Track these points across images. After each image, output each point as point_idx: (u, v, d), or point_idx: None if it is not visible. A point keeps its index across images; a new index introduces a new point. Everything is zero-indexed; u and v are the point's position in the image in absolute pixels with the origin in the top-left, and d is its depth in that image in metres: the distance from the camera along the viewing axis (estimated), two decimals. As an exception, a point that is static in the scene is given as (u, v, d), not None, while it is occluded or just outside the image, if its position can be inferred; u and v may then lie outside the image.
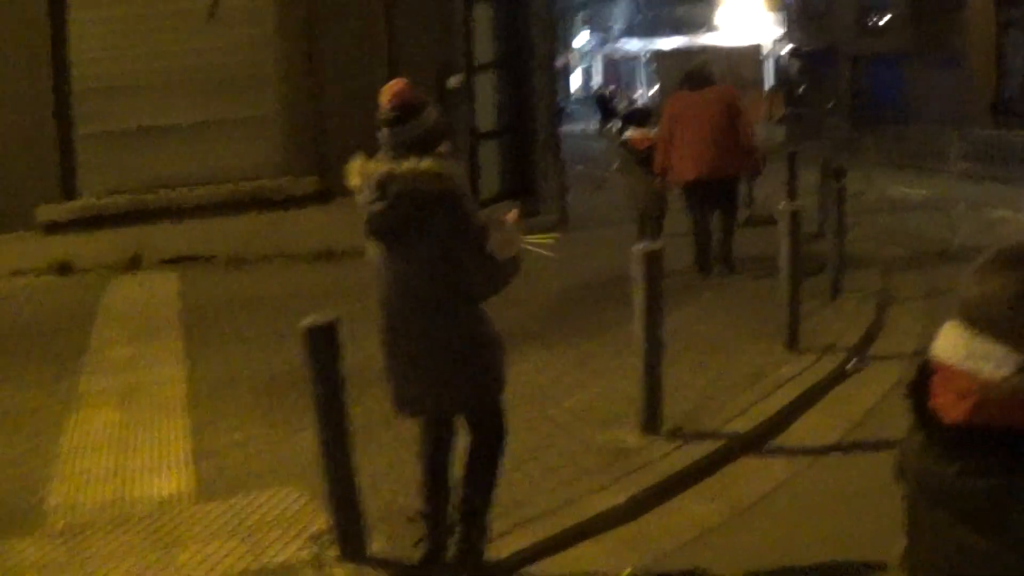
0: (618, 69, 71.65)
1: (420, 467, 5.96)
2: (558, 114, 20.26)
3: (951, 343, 2.30)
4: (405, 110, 5.49)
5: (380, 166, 5.44)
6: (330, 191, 15.65)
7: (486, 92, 18.09)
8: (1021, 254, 2.29)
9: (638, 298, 7.63)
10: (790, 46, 46.98)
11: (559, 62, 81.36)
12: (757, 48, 45.07)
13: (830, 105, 41.43)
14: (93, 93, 15.64)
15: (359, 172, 5.53)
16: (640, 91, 59.09)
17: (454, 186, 5.42)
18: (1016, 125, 26.44)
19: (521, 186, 18.39)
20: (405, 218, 5.38)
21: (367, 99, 15.21)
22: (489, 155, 18.11)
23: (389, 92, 5.58)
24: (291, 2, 15.69)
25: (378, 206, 5.38)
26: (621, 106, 48.25)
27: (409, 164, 5.35)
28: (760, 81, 44.74)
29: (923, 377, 2.38)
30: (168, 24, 15.71)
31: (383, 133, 5.53)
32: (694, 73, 13.67)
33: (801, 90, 45.49)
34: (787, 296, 9.86)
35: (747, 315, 11.20)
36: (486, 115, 18.10)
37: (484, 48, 18.13)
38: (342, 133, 15.46)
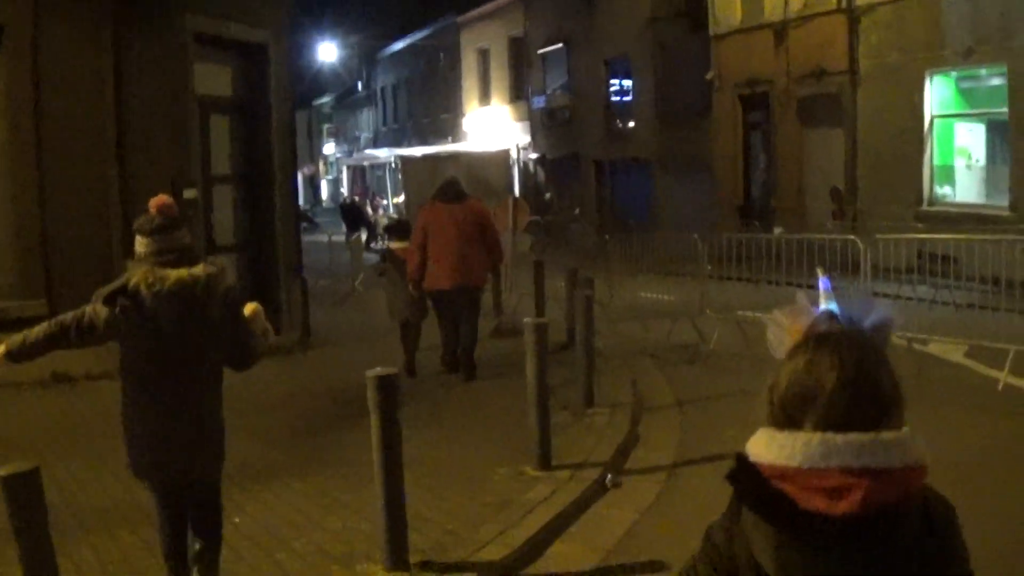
0: (366, 178, 71.68)
1: (164, 537, 6.37)
2: (300, 227, 19.66)
3: (795, 447, 2.32)
4: (173, 221, 6.22)
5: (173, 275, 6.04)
6: (58, 314, 14.81)
7: (224, 205, 17.44)
8: (827, 340, 2.42)
9: (374, 427, 7.11)
10: (535, 154, 47.41)
11: (307, 171, 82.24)
12: (505, 154, 45.21)
13: (576, 212, 41.88)
14: None
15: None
16: (387, 200, 59.03)
17: (231, 285, 6.47)
18: (761, 227, 26.98)
19: (261, 302, 17.66)
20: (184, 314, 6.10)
21: (96, 216, 14.63)
22: (227, 270, 17.34)
23: (158, 203, 6.28)
24: (20, 116, 14.57)
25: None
26: (377, 217, 48.09)
27: (203, 269, 6.16)
28: (509, 188, 44.86)
29: (757, 485, 2.37)
30: None
31: (147, 241, 6.14)
32: (447, 186, 14.45)
33: (547, 197, 45.95)
34: (535, 413, 9.44)
35: (496, 433, 10.80)
36: (224, 228, 17.40)
37: (222, 159, 17.50)
38: (71, 253, 14.76)
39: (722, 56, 33.27)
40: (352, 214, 48.22)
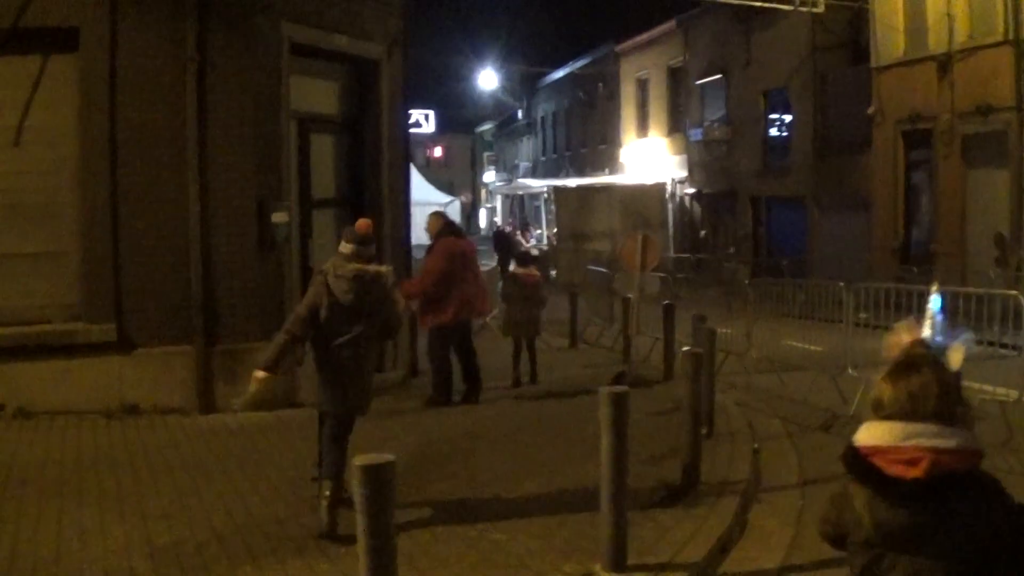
0: (523, 207, 70.59)
1: (333, 458, 8.81)
2: (411, 257, 18.28)
3: (885, 432, 3.68)
4: (368, 238, 9.30)
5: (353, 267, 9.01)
6: (130, 339, 13.64)
7: (326, 230, 15.97)
8: (913, 361, 3.77)
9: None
10: (691, 189, 45.56)
11: (464, 199, 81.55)
12: (660, 188, 43.51)
13: (731, 251, 39.98)
14: None
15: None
16: (540, 231, 57.72)
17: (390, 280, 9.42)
18: (919, 274, 24.77)
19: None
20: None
21: (173, 237, 13.30)
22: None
23: (365, 225, 9.52)
24: (94, 124, 13.51)
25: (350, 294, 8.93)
26: (527, 248, 46.85)
27: (375, 268, 9.21)
28: (665, 222, 43.14)
29: (858, 460, 3.72)
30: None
31: (354, 248, 9.10)
32: (451, 223, 15.33)
33: (702, 234, 44.07)
34: (608, 506, 7.64)
35: (573, 515, 9.01)
36: (324, 256, 15.88)
37: (324, 182, 16.19)
38: (144, 276, 13.62)
39: (883, 89, 31.30)
40: (503, 244, 47.15)
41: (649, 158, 49.16)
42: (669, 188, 45.25)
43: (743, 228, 40.75)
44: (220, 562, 7.84)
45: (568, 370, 18.23)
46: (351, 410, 9.08)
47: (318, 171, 15.93)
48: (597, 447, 7.75)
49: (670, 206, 45.33)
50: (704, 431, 11.62)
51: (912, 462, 3.55)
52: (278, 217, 14.14)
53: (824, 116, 35.39)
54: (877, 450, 3.63)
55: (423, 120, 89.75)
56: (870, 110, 31.64)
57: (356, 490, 5.52)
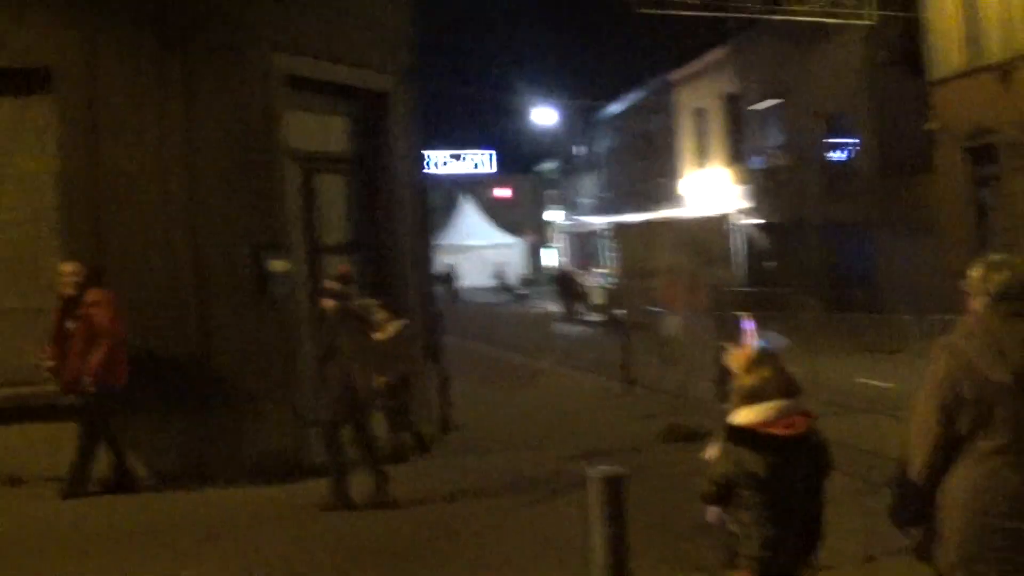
0: (585, 246, 69.50)
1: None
2: (434, 305, 17.15)
3: (772, 410, 5.55)
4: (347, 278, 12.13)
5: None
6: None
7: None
8: (761, 360, 5.82)
9: None
10: (754, 219, 43.90)
11: (529, 239, 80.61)
12: (721, 220, 42.02)
13: (796, 283, 38.16)
14: None
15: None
16: (602, 269, 56.39)
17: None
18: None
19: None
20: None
21: (160, 288, 11.98)
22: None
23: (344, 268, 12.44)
24: (73, 169, 12.61)
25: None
26: (588, 288, 45.37)
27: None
28: (728, 255, 41.65)
29: (751, 433, 5.52)
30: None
31: (337, 288, 11.58)
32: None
33: (767, 266, 42.18)
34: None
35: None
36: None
37: (333, 226, 14.97)
38: (133, 325, 12.43)
39: (942, 103, 29.80)
40: (565, 284, 46.14)
41: (710, 189, 47.71)
42: (733, 219, 43.69)
43: (810, 258, 39.00)
44: None
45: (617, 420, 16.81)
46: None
47: (327, 215, 14.73)
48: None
49: (734, 238, 43.76)
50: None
51: (792, 424, 5.50)
52: (276, 266, 12.96)
53: (885, 136, 33.93)
54: (768, 423, 5.47)
55: (484, 162, 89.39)
56: (929, 125, 30.16)
57: None
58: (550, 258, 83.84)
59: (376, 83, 15.17)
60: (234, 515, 11.18)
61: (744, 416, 5.54)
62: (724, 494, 5.66)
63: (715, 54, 45.60)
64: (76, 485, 11.70)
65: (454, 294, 45.84)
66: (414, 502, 11.44)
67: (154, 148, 12.62)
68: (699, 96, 49.04)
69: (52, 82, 12.60)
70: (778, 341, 7.37)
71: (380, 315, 12.60)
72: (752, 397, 5.55)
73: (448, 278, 49.56)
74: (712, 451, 5.89)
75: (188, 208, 12.60)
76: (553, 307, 43.26)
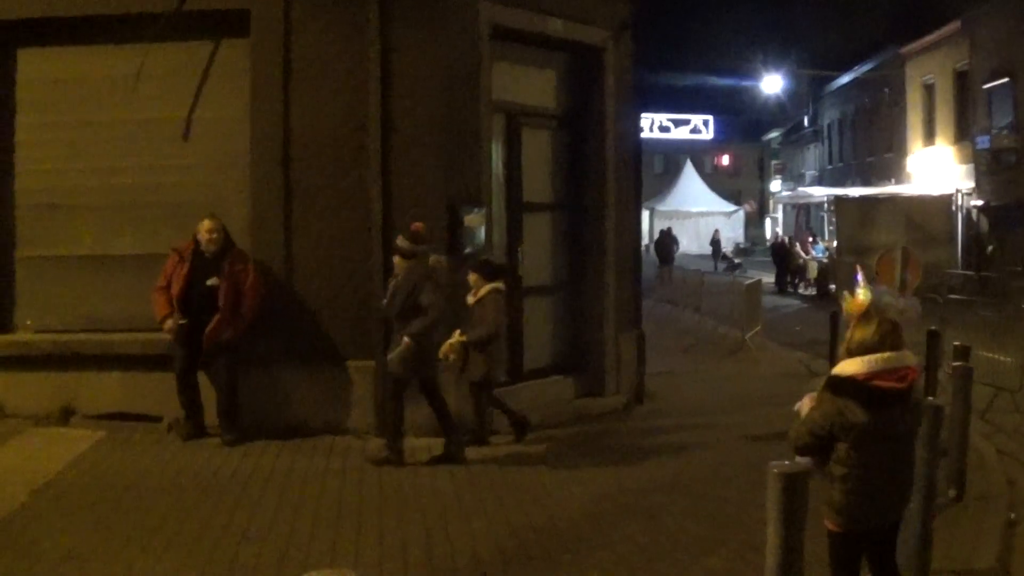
0: (807, 217, 68.21)
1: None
2: (638, 271, 16.43)
3: (880, 360, 5.69)
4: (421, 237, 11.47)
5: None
6: (301, 353, 12.68)
7: (539, 238, 14.84)
8: (870, 314, 5.97)
9: None
10: (979, 201, 42.59)
11: (748, 208, 79.57)
12: (947, 200, 40.84)
13: (1018, 268, 36.82)
14: (38, 210, 13.19)
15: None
16: (820, 242, 55.33)
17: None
18: None
19: (576, 358, 15.18)
20: None
21: (348, 240, 11.50)
22: (536, 315, 14.75)
23: (417, 226, 11.46)
24: (265, 116, 12.61)
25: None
26: (806, 260, 44.40)
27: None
28: (952, 236, 40.39)
29: (857, 384, 5.69)
30: (124, 134, 12.97)
31: (407, 247, 11.36)
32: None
33: (989, 250, 40.82)
34: None
35: None
36: (537, 266, 14.81)
37: (538, 184, 14.77)
38: (317, 282, 12.58)
39: None
40: (781, 255, 45.28)
41: (936, 168, 46.39)
42: (956, 199, 42.48)
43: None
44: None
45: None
46: None
47: (531, 171, 14.53)
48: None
49: (958, 219, 42.53)
50: (952, 493, 9.83)
51: (902, 377, 5.73)
52: (470, 220, 12.85)
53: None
54: (875, 375, 5.66)
55: (702, 126, 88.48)
56: None
57: None
58: (768, 228, 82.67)
59: (589, 36, 14.82)
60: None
61: (851, 367, 5.72)
62: (821, 445, 5.81)
63: (947, 29, 44.27)
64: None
65: (669, 261, 44.98)
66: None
67: (349, 97, 12.53)
68: (929, 71, 47.73)
69: (249, 25, 12.57)
70: (909, 303, 6.51)
71: (471, 277, 12.02)
72: (860, 349, 5.75)
73: (664, 244, 48.69)
74: (805, 403, 5.98)
75: (382, 160, 12.44)
76: (767, 278, 42.59)
